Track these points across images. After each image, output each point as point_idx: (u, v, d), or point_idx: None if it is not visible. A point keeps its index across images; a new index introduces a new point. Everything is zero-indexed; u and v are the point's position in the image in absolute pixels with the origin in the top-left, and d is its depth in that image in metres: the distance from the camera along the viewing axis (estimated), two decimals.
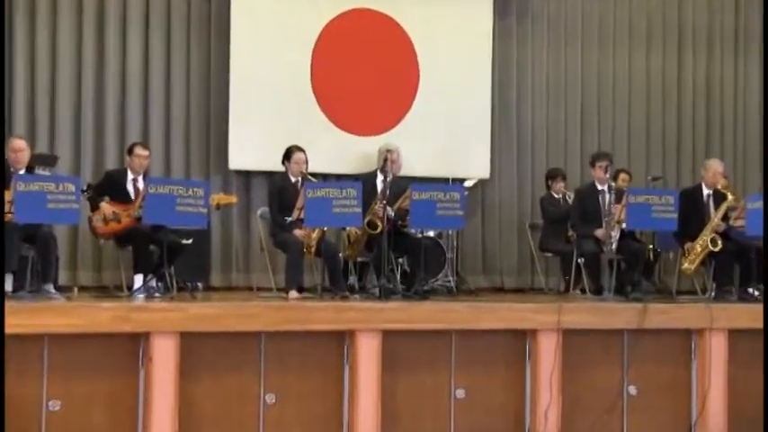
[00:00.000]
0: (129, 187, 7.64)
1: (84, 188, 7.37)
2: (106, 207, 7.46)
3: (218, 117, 9.48)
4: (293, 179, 7.96)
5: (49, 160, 8.23)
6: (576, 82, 10.71)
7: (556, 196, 9.55)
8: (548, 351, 6.83)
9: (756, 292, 7.98)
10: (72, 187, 6.52)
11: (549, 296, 8.90)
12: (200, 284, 8.72)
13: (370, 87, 9.83)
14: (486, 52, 10.23)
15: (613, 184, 8.24)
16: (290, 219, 7.63)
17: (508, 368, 6.94)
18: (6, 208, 6.47)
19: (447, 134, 10.02)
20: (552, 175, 9.69)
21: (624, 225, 7.92)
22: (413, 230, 8.38)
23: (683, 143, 11.01)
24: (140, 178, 7.68)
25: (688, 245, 8.21)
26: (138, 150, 7.75)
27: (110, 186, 7.65)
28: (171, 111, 9.40)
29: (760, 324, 6.95)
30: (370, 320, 6.56)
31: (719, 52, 11.13)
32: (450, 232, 9.31)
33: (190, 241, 7.73)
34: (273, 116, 9.48)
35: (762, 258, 7.71)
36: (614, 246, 7.88)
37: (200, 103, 9.50)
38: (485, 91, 10.21)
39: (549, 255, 9.47)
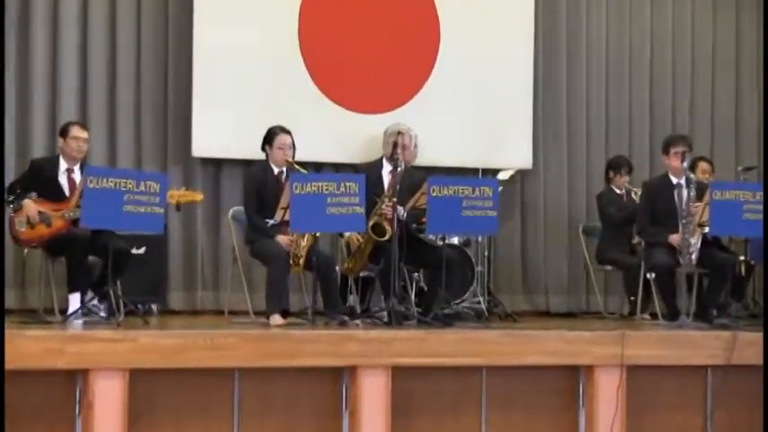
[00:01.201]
0: (63, 180, 7.66)
1: (7, 194, 7.31)
2: (30, 206, 7.44)
3: (179, 90, 9.47)
4: (276, 170, 7.97)
5: None
6: (644, 49, 10.73)
7: (618, 192, 9.53)
8: (608, 393, 6.84)
9: None
10: None
11: (610, 322, 8.93)
12: (154, 307, 8.73)
13: (375, 52, 9.83)
14: (527, 9, 10.23)
15: (693, 176, 8.21)
16: (271, 221, 7.64)
17: (556, 415, 6.95)
18: None
19: (476, 113, 10.04)
20: (614, 166, 9.65)
21: (707, 230, 7.92)
22: (431, 237, 8.38)
23: None
24: (77, 168, 7.70)
25: None
26: (75, 131, 7.76)
27: (37, 179, 7.64)
28: (117, 82, 9.39)
29: None
30: (375, 354, 6.56)
31: None
32: (479, 239, 9.33)
33: (142, 251, 7.72)
34: (250, 89, 9.47)
35: None
36: (694, 256, 7.89)
37: (155, 73, 9.49)
38: (526, 58, 10.23)
39: (609, 268, 9.49)
